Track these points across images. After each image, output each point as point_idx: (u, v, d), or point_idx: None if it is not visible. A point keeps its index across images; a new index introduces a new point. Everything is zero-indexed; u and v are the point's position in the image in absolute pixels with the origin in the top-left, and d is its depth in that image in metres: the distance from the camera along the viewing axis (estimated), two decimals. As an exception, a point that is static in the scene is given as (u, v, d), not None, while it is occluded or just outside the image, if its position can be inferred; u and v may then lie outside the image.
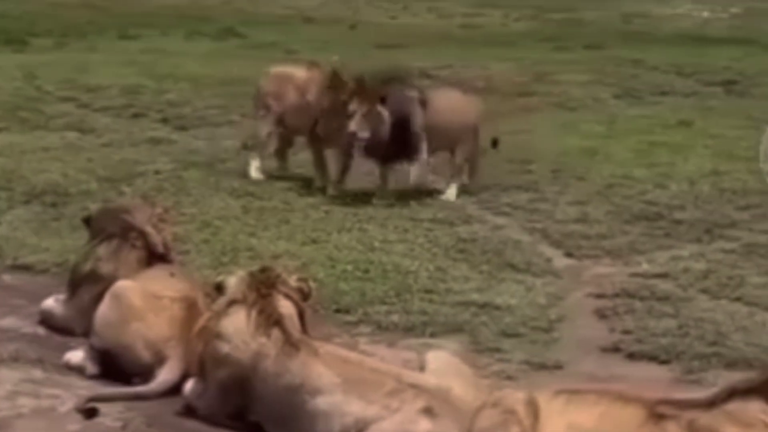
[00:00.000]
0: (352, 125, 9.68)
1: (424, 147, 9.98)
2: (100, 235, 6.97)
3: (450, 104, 10.30)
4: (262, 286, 5.79)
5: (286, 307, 5.76)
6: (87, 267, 6.91)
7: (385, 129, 9.78)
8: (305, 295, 5.89)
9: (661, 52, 17.49)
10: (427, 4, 23.62)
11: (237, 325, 5.71)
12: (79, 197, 9.50)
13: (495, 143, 10.62)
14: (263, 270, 5.93)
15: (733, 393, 4.55)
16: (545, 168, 10.78)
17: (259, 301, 5.72)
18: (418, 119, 9.96)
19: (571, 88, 14.88)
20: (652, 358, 6.69)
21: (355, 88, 9.92)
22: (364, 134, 9.71)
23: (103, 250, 6.91)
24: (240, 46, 17.59)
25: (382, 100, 9.80)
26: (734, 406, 4.51)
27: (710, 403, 4.62)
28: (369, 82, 10.06)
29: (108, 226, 6.99)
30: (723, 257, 8.44)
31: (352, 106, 9.75)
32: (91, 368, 6.37)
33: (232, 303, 5.78)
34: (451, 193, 10.06)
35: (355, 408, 5.34)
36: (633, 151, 11.43)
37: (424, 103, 10.01)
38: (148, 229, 6.88)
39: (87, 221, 7.19)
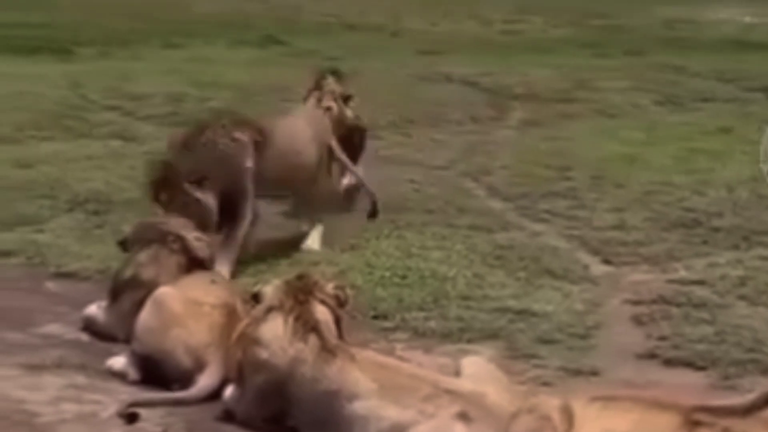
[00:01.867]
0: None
1: (248, 209, 8.35)
2: (139, 244, 7.10)
3: (287, 144, 8.68)
4: (300, 293, 5.89)
5: (322, 313, 5.85)
6: (128, 273, 7.04)
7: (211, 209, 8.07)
8: (342, 302, 5.99)
9: (702, 58, 17.42)
10: (468, 11, 23.62)
11: (275, 332, 5.80)
12: (121, 205, 9.61)
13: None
14: (300, 277, 6.03)
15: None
16: (584, 175, 10.79)
17: (296, 308, 5.82)
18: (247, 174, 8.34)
19: (611, 94, 14.85)
20: (689, 364, 6.72)
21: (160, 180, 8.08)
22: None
23: (143, 256, 7.04)
24: (282, 53, 17.67)
25: (198, 182, 8.04)
26: None
27: (746, 410, 4.66)
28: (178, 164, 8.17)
29: (147, 234, 7.12)
30: (761, 264, 8.44)
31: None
32: (133, 374, 6.47)
33: (269, 310, 5.88)
34: (313, 240, 8.89)
35: (391, 413, 5.42)
36: (672, 157, 11.42)
37: (258, 146, 8.35)
38: (187, 234, 7.00)
39: (122, 244, 7.33)
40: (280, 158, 8.46)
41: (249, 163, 8.29)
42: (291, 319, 5.79)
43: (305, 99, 9.49)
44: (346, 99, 9.57)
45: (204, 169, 8.06)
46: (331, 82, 9.52)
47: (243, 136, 8.30)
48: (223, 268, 7.83)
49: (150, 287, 6.73)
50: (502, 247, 8.76)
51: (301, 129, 8.87)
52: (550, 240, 9.08)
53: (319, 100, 9.39)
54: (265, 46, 18.62)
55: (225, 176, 8.16)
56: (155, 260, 7.00)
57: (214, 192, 8.07)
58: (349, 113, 9.63)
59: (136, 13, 21.69)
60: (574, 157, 11.42)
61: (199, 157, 8.13)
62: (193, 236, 7.09)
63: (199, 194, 7.99)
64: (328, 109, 9.37)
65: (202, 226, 7.54)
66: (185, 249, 7.00)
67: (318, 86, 9.51)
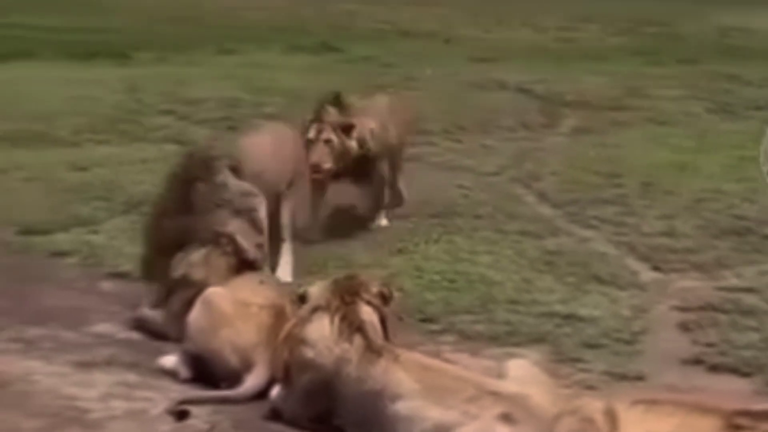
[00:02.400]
0: None
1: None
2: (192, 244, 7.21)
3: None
4: (346, 294, 5.96)
5: (368, 314, 5.92)
6: (179, 273, 7.15)
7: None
8: (387, 300, 6.05)
9: (756, 66, 17.30)
10: (522, 18, 23.64)
11: (321, 332, 5.88)
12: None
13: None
14: (347, 278, 6.10)
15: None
16: (634, 182, 10.80)
17: (342, 308, 5.89)
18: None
19: (663, 102, 14.82)
20: (734, 370, 6.74)
21: None
22: None
23: (195, 256, 7.14)
24: (336, 60, 17.78)
25: None
26: None
27: None
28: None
29: (200, 234, 7.22)
30: (810, 272, 8.44)
31: None
32: (184, 372, 6.58)
33: (316, 310, 5.95)
34: (284, 269, 8.46)
35: (434, 413, 5.47)
36: (723, 165, 11.39)
37: (236, 170, 7.97)
38: (238, 236, 7.10)
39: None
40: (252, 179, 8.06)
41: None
42: (337, 320, 5.86)
43: (304, 131, 9.20)
44: (347, 129, 9.28)
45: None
46: (331, 113, 9.28)
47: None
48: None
49: (200, 287, 6.83)
50: (550, 253, 8.81)
51: (266, 148, 8.51)
52: (598, 246, 9.11)
53: (320, 132, 9.18)
54: (319, 52, 18.72)
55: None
56: (207, 261, 7.11)
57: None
58: (352, 143, 9.33)
59: (191, 19, 21.91)
60: (625, 164, 11.42)
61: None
62: (250, 240, 7.19)
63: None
64: (328, 141, 9.17)
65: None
66: (237, 251, 7.10)
67: (318, 118, 9.26)
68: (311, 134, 9.17)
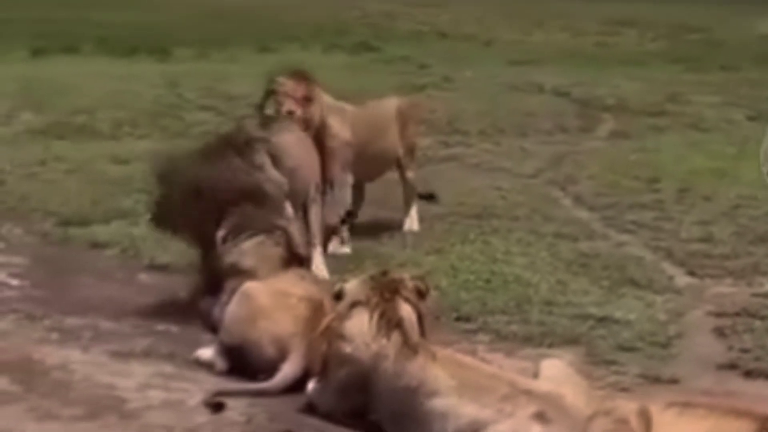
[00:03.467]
0: None
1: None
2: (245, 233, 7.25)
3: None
4: (385, 290, 5.99)
5: (406, 311, 5.96)
6: (229, 260, 7.18)
7: None
8: (423, 296, 6.08)
9: (798, 74, 17.30)
10: (562, 22, 23.65)
11: (359, 327, 5.91)
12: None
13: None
14: (384, 273, 6.14)
15: None
16: (672, 187, 10.81)
17: (382, 305, 5.93)
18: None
19: (703, 109, 14.83)
20: (769, 376, 6.75)
21: None
22: None
23: (248, 244, 7.19)
24: (374, 60, 17.86)
25: None
26: None
27: None
28: None
29: (255, 224, 7.26)
30: None
31: None
32: (221, 364, 6.63)
33: (354, 305, 5.99)
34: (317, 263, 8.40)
35: (470, 411, 5.51)
36: (761, 172, 11.34)
37: (274, 159, 7.96)
38: (292, 228, 7.15)
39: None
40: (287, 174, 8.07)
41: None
42: (376, 315, 5.89)
43: (260, 106, 9.00)
44: (308, 100, 8.87)
45: None
46: (285, 83, 8.86)
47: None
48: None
49: (249, 276, 6.88)
50: (586, 256, 8.82)
51: (303, 148, 8.54)
52: (634, 250, 9.11)
53: (279, 105, 8.82)
54: (357, 52, 18.81)
55: None
56: (258, 251, 7.15)
57: None
58: (314, 114, 8.97)
59: (232, 16, 22.02)
60: (662, 170, 11.43)
61: None
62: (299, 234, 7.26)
63: None
64: (290, 113, 8.76)
65: None
66: (289, 244, 7.15)
67: (272, 91, 8.90)
68: (269, 110, 8.91)
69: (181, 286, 7.81)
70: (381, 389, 5.78)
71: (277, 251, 7.14)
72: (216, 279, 7.24)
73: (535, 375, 5.71)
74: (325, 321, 6.13)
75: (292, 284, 6.75)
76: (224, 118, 13.46)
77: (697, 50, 20.57)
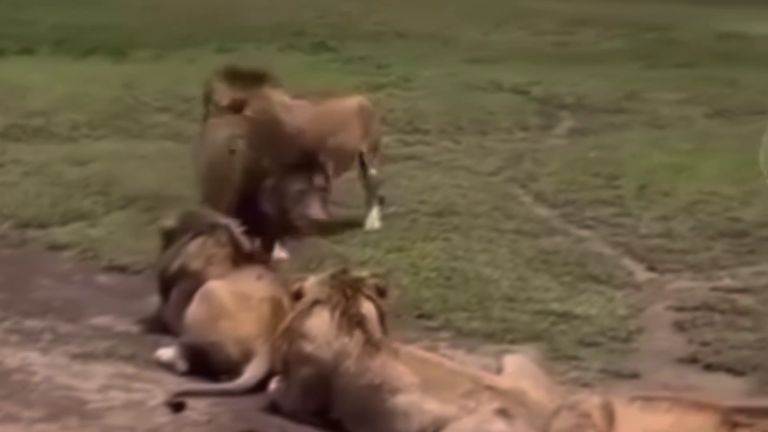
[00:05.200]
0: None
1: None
2: (186, 235, 7.22)
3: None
4: (346, 288, 5.98)
5: (368, 308, 5.95)
6: (177, 265, 7.15)
7: None
8: (383, 294, 6.07)
9: (754, 71, 17.33)
10: (521, 21, 23.66)
11: (320, 326, 5.90)
12: (173, 202, 9.74)
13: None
14: (345, 272, 6.13)
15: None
16: (631, 184, 10.83)
17: (343, 302, 5.92)
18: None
19: (661, 106, 14.86)
20: (729, 369, 6.79)
21: None
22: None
23: (192, 247, 7.16)
24: (332, 60, 17.80)
25: None
26: None
27: None
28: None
29: (195, 226, 7.24)
30: (806, 274, 8.47)
31: None
32: (181, 365, 6.61)
33: (315, 304, 5.98)
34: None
35: (433, 407, 5.51)
36: (720, 168, 11.41)
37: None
38: (234, 226, 7.13)
39: (168, 234, 7.42)
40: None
41: None
42: (337, 313, 5.88)
43: (205, 118, 8.81)
44: (240, 107, 8.69)
45: None
46: (221, 90, 8.78)
47: None
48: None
49: (199, 278, 6.85)
50: (546, 252, 8.84)
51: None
52: (595, 246, 9.15)
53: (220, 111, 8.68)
54: (316, 52, 18.75)
55: None
56: (203, 251, 7.11)
57: None
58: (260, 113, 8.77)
59: (190, 17, 21.91)
60: (622, 166, 11.45)
61: None
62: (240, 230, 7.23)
63: None
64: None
65: None
66: (233, 241, 7.12)
67: (209, 99, 8.83)
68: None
69: (140, 287, 7.75)
70: (343, 387, 5.77)
71: (223, 251, 7.10)
72: (166, 282, 7.21)
73: (498, 371, 5.71)
74: (286, 320, 6.10)
75: (251, 284, 6.72)
76: (183, 120, 13.41)
77: (655, 48, 20.62)
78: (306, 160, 8.14)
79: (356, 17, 23.29)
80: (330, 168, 8.38)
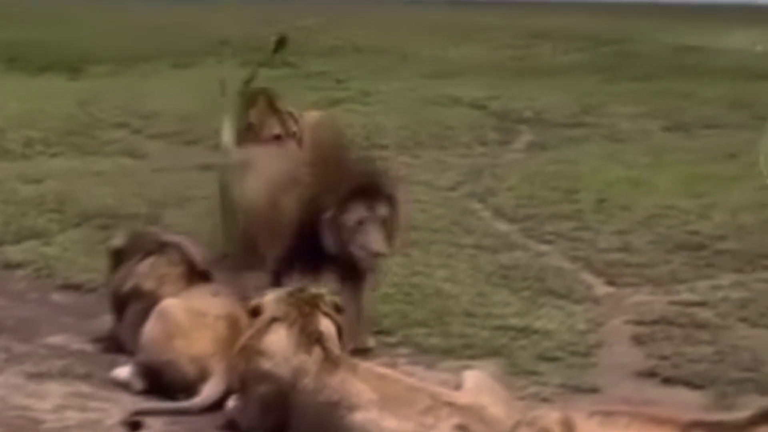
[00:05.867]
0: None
1: None
2: (137, 255, 7.16)
3: None
4: (304, 305, 5.94)
5: (325, 325, 5.91)
6: (129, 285, 7.09)
7: None
8: (340, 311, 6.04)
9: (712, 85, 17.43)
10: (478, 36, 23.72)
11: (278, 343, 5.85)
12: (129, 220, 9.68)
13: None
14: (302, 290, 6.09)
15: (765, 416, 4.62)
16: (590, 198, 10.84)
17: (300, 319, 5.87)
18: None
19: (619, 119, 14.91)
20: (688, 383, 6.77)
21: None
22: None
23: (143, 267, 7.09)
24: (290, 74, 17.75)
25: None
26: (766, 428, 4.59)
27: (742, 426, 4.69)
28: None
29: (145, 245, 7.18)
30: (763, 287, 8.46)
31: None
32: (138, 384, 6.54)
33: (273, 321, 5.93)
34: None
35: (392, 424, 5.46)
36: (678, 182, 11.45)
37: None
38: (185, 243, 7.07)
39: (117, 253, 7.35)
40: None
41: None
42: (295, 331, 5.84)
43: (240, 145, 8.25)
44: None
45: None
46: (259, 114, 8.60)
47: None
48: None
49: (152, 298, 6.79)
50: (506, 267, 8.83)
51: None
52: (554, 261, 9.14)
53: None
54: (274, 67, 18.69)
55: None
56: (154, 271, 7.05)
57: None
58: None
59: (146, 32, 21.83)
60: (580, 180, 11.46)
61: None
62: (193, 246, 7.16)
63: None
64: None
65: None
66: (185, 259, 7.06)
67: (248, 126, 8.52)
68: (277, 130, 8.49)
69: (95, 306, 7.68)
70: (302, 405, 5.72)
71: (175, 270, 7.02)
72: (119, 302, 7.13)
73: (457, 387, 5.68)
74: (243, 338, 6.05)
75: (207, 302, 6.66)
76: (139, 136, 13.34)
77: (613, 62, 20.71)
78: (367, 186, 7.15)
79: (315, 32, 23.28)
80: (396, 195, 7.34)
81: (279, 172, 7.42)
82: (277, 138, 8.44)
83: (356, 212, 7.04)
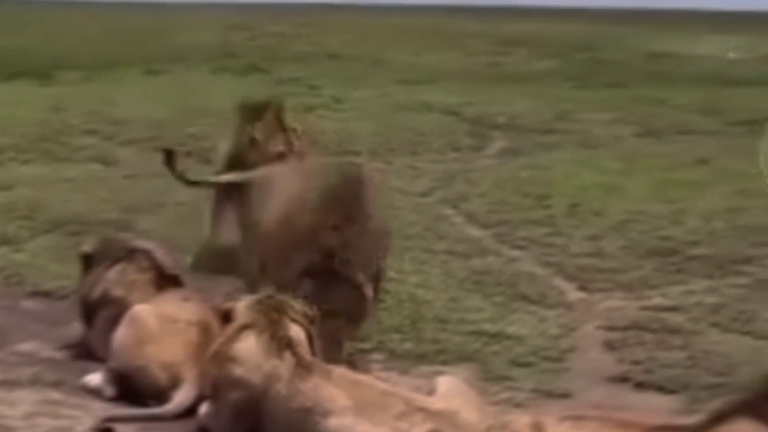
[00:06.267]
0: None
1: None
2: (106, 261, 7.12)
3: None
4: (272, 312, 5.92)
5: (295, 331, 5.89)
6: (98, 291, 7.04)
7: None
8: (311, 320, 6.03)
9: (685, 92, 17.54)
10: (452, 43, 23.78)
11: (249, 349, 5.83)
12: (100, 227, 9.65)
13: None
14: (270, 296, 6.07)
15: (724, 415, 4.66)
16: (562, 203, 10.86)
17: (270, 325, 5.85)
18: None
19: (592, 126, 14.97)
20: (660, 388, 6.81)
21: None
22: None
23: (112, 273, 7.05)
24: (263, 81, 17.75)
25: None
26: (728, 427, 4.62)
27: (700, 428, 4.73)
28: None
29: (113, 251, 7.14)
30: (735, 292, 8.52)
31: None
32: (109, 390, 6.49)
33: (243, 327, 5.90)
34: None
35: (365, 429, 5.44)
36: (650, 187, 11.50)
37: None
38: (155, 248, 7.03)
39: (86, 257, 7.30)
40: None
41: None
42: (266, 337, 5.82)
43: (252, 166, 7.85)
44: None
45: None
46: (266, 131, 8.13)
47: None
48: None
49: (121, 305, 6.76)
50: (479, 273, 8.84)
51: None
52: (526, 266, 9.15)
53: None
54: (247, 73, 18.70)
55: None
56: (123, 277, 7.01)
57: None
58: None
59: (117, 39, 21.78)
60: (553, 186, 11.49)
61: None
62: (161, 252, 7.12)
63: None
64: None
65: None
66: (155, 265, 7.02)
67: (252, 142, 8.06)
68: (280, 147, 8.09)
69: (65, 313, 7.63)
70: (274, 411, 5.69)
71: (144, 276, 6.98)
72: (88, 309, 7.09)
73: (430, 392, 5.67)
74: (215, 344, 6.02)
75: (178, 308, 6.62)
76: (110, 143, 13.29)
77: (586, 68, 20.82)
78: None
79: (287, 39, 23.28)
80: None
81: (293, 192, 7.02)
82: (281, 156, 8.30)
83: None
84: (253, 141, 8.25)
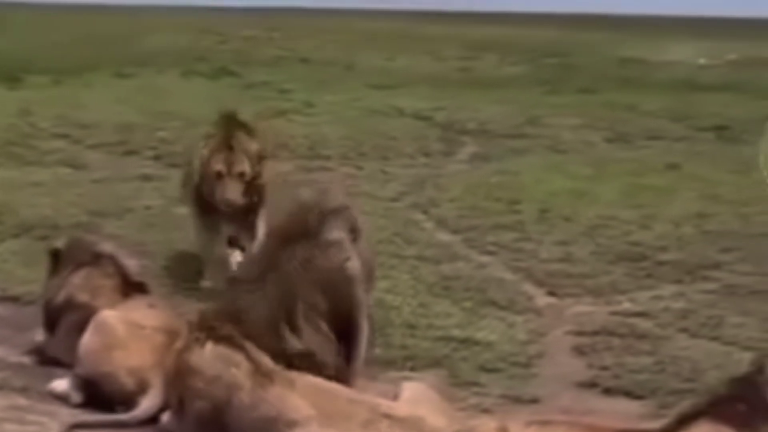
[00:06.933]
0: None
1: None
2: (71, 265, 7.07)
3: None
4: (226, 319, 5.88)
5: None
6: (62, 296, 6.99)
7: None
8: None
9: (654, 97, 17.59)
10: (423, 47, 23.80)
11: (206, 358, 5.78)
12: (68, 231, 9.55)
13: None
14: (229, 304, 6.04)
15: (687, 418, 4.69)
16: (532, 209, 10.87)
17: (225, 334, 5.81)
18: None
19: (561, 131, 14.99)
20: (628, 393, 6.82)
21: None
22: None
23: (76, 278, 7.00)
24: (233, 85, 17.71)
25: None
26: (689, 430, 4.65)
27: (667, 430, 4.77)
28: None
29: (79, 255, 7.09)
30: (703, 298, 8.54)
31: None
32: (76, 396, 6.45)
33: (198, 336, 5.86)
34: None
35: (330, 438, 5.43)
36: (619, 193, 11.53)
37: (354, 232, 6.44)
38: (119, 254, 6.99)
39: (55, 254, 7.24)
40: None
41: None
42: (221, 345, 5.77)
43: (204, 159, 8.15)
44: (261, 158, 8.37)
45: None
46: (242, 140, 8.27)
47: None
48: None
49: (86, 310, 6.71)
50: (448, 278, 8.83)
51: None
52: (496, 271, 9.15)
53: (231, 165, 8.18)
54: (217, 77, 18.65)
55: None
56: (88, 282, 6.96)
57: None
58: (263, 174, 8.47)
59: (87, 42, 21.69)
60: (523, 191, 11.50)
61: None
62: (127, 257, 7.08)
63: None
64: (242, 174, 8.22)
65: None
66: (120, 271, 6.98)
67: (227, 144, 8.22)
68: (219, 166, 8.21)
69: (33, 318, 7.57)
70: (237, 421, 5.64)
71: (110, 282, 6.94)
72: (51, 314, 7.04)
73: (396, 398, 5.65)
74: (174, 353, 5.98)
75: (144, 314, 6.59)
76: (79, 147, 13.23)
77: (556, 74, 20.85)
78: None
79: (258, 42, 23.24)
80: None
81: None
82: (219, 175, 8.24)
83: None
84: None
